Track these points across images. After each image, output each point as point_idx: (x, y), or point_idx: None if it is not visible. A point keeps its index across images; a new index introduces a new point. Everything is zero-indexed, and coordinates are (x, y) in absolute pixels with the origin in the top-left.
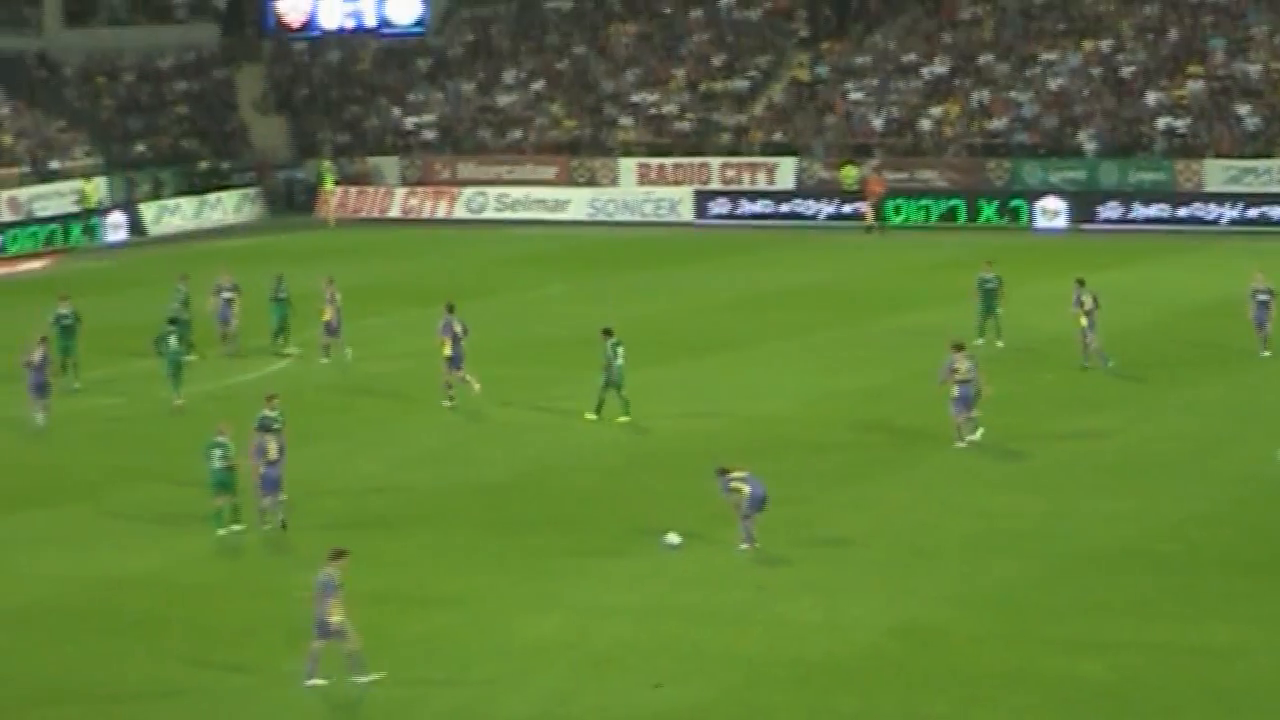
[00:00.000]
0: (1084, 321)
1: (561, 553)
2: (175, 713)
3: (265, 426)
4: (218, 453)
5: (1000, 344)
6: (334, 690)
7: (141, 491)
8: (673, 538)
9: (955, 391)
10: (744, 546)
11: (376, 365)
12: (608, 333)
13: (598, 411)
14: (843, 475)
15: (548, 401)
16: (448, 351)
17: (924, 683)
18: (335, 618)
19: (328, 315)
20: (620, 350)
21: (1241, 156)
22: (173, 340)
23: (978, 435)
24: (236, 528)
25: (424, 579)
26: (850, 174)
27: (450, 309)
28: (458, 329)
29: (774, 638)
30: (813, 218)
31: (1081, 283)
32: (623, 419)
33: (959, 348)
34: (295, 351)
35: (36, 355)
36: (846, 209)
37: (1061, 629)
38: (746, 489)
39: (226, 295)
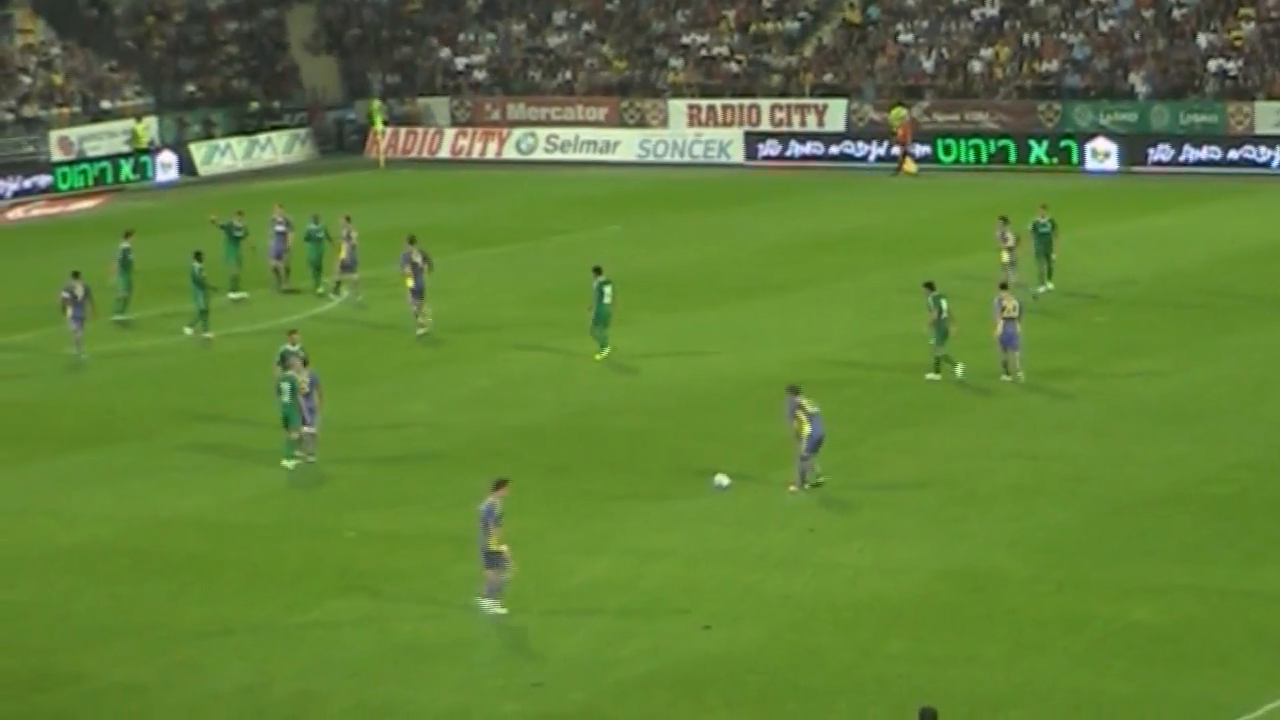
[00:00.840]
0: (1006, 257)
1: (611, 495)
2: (229, 652)
3: (284, 360)
4: (286, 386)
5: (1050, 286)
6: (390, 628)
7: (192, 432)
8: (722, 479)
9: (999, 328)
10: (793, 489)
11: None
12: (597, 270)
13: (602, 350)
14: (893, 419)
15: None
16: (410, 283)
17: (974, 626)
18: (496, 545)
19: (343, 254)
20: (608, 289)
21: None
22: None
23: (1015, 378)
24: (309, 459)
25: (473, 520)
26: (900, 115)
27: (411, 240)
28: (418, 259)
29: (824, 580)
30: (863, 160)
31: (1005, 220)
32: (600, 356)
33: (1004, 286)
34: (323, 291)
35: (78, 289)
36: (896, 151)
37: (1113, 573)
38: (808, 428)
39: (281, 230)
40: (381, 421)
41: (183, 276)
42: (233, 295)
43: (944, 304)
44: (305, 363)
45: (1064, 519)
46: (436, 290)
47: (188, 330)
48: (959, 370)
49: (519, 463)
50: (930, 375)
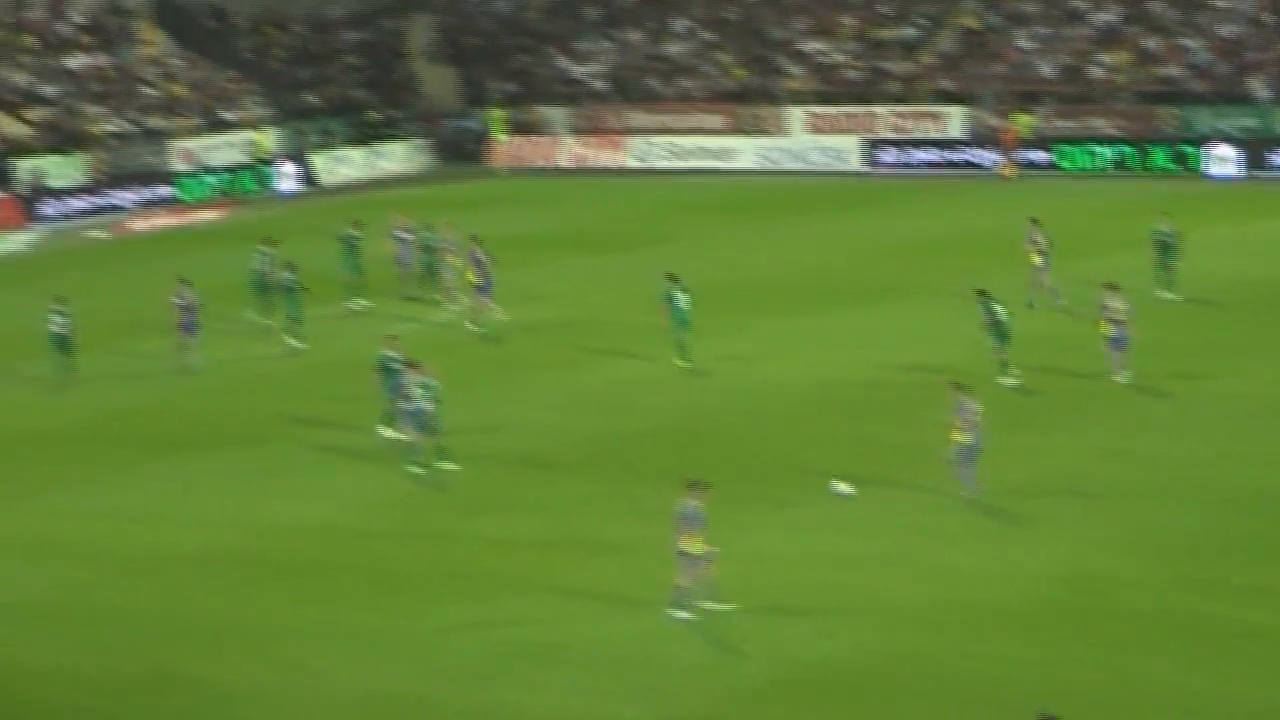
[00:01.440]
0: (1037, 260)
1: (728, 500)
2: (346, 657)
3: (384, 367)
4: (421, 391)
5: (1170, 295)
6: (506, 633)
7: (310, 437)
8: (844, 486)
9: (1111, 331)
10: (964, 495)
11: (543, 312)
12: (672, 278)
13: (685, 359)
14: (1010, 422)
15: (715, 349)
16: (475, 279)
17: (1091, 629)
18: (695, 548)
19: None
20: (683, 296)
21: None
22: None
23: (1123, 378)
24: (450, 466)
25: (592, 525)
26: (1025, 122)
27: (475, 239)
28: (482, 257)
29: (940, 584)
30: (982, 166)
31: (1036, 222)
32: (680, 363)
33: (1112, 287)
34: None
35: (188, 295)
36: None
37: (1231, 574)
38: (964, 436)
39: (403, 237)
40: (499, 427)
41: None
42: (355, 304)
43: (997, 309)
44: (412, 366)
45: (1180, 520)
46: (556, 296)
47: (291, 341)
48: (1012, 380)
49: (634, 468)
50: (1006, 380)
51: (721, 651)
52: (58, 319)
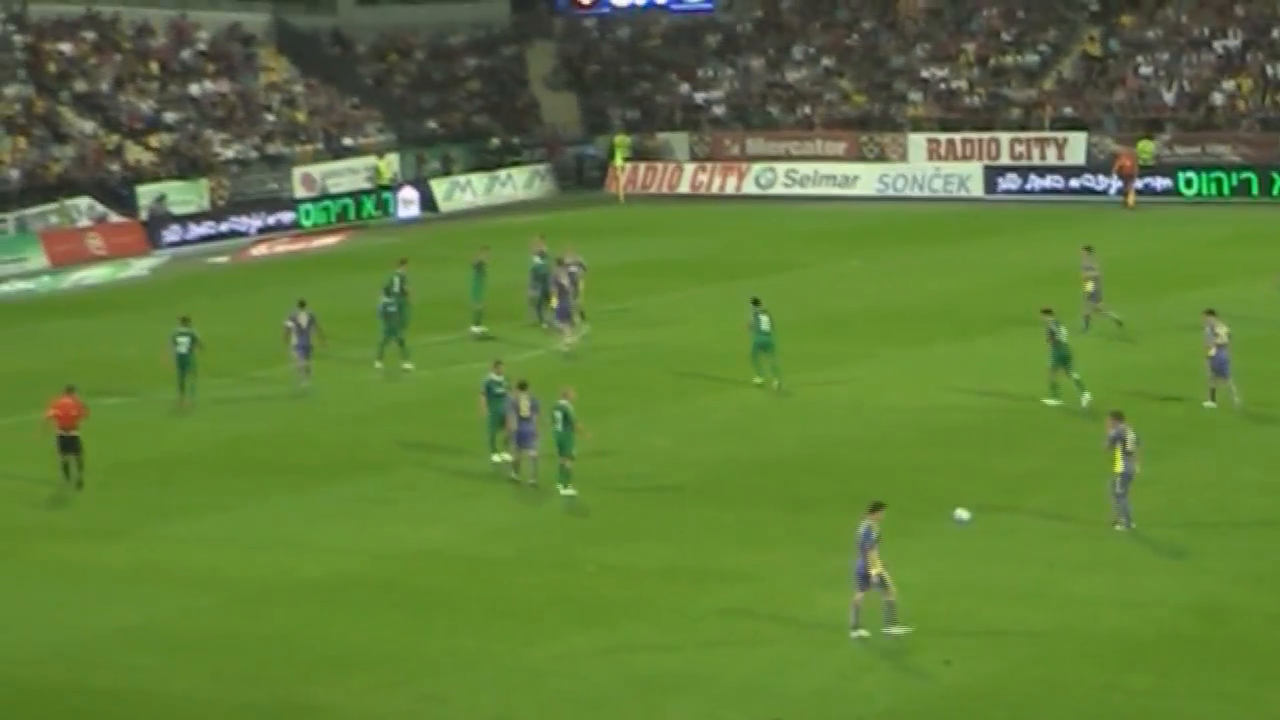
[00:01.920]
0: (1089, 286)
1: (852, 528)
2: (472, 685)
3: (489, 390)
4: (559, 414)
5: None
6: (629, 661)
7: (431, 464)
8: (963, 514)
9: (1212, 352)
10: (1118, 527)
11: (665, 339)
12: (755, 302)
13: (773, 379)
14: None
15: (841, 377)
16: (554, 303)
17: (1219, 661)
18: (875, 569)
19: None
20: (765, 319)
21: None
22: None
23: (1234, 400)
24: (568, 492)
25: (715, 553)
26: (1147, 149)
27: (560, 261)
28: (564, 281)
29: (1065, 614)
30: (1103, 193)
31: (1089, 249)
32: (759, 381)
33: (1210, 313)
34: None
35: (302, 318)
36: (1139, 184)
37: None
38: (1120, 465)
39: (572, 270)
40: (622, 454)
41: (424, 311)
42: (475, 329)
43: (1059, 330)
44: (522, 387)
45: None
46: (678, 323)
47: (377, 364)
48: (1085, 399)
49: (760, 496)
50: (1079, 397)
51: (845, 680)
52: (183, 339)
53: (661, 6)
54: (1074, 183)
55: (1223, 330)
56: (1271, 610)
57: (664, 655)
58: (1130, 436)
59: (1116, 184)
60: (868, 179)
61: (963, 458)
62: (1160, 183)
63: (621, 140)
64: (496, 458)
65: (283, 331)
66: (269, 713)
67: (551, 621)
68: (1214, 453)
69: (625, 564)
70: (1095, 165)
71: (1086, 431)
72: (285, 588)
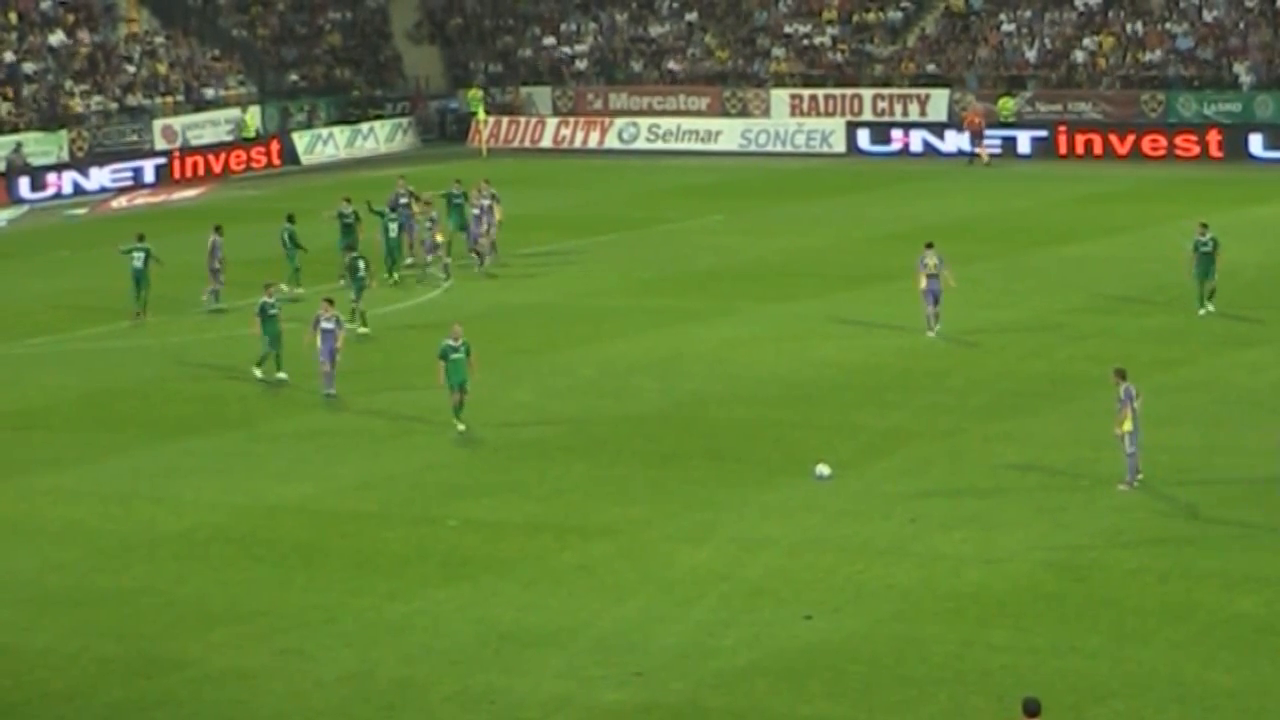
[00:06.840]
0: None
1: (715, 484)
2: (333, 639)
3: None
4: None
5: (1211, 309)
6: (491, 616)
7: (296, 419)
8: (823, 469)
9: (923, 284)
10: (1122, 487)
11: (528, 295)
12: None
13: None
14: (998, 408)
15: (703, 333)
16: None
17: (1078, 616)
18: (1125, 427)
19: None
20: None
21: None
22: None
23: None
24: (461, 427)
25: (578, 508)
26: (1008, 105)
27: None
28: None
29: (926, 570)
30: (963, 150)
31: (928, 247)
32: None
33: (929, 245)
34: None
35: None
36: (998, 140)
37: (1218, 563)
38: (1129, 424)
39: (484, 203)
40: (485, 408)
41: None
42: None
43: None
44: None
45: (1168, 509)
46: (541, 278)
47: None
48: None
49: (622, 451)
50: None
51: (706, 635)
52: (138, 255)
53: None
54: (936, 139)
55: (932, 261)
56: (1130, 566)
57: (526, 610)
58: (1134, 394)
59: (967, 141)
60: (730, 134)
61: (825, 414)
62: (1021, 139)
63: (475, 94)
64: (256, 372)
65: (207, 253)
66: (130, 667)
67: (413, 576)
68: (1076, 409)
69: (487, 519)
70: (957, 122)
71: (953, 386)
72: (146, 542)
